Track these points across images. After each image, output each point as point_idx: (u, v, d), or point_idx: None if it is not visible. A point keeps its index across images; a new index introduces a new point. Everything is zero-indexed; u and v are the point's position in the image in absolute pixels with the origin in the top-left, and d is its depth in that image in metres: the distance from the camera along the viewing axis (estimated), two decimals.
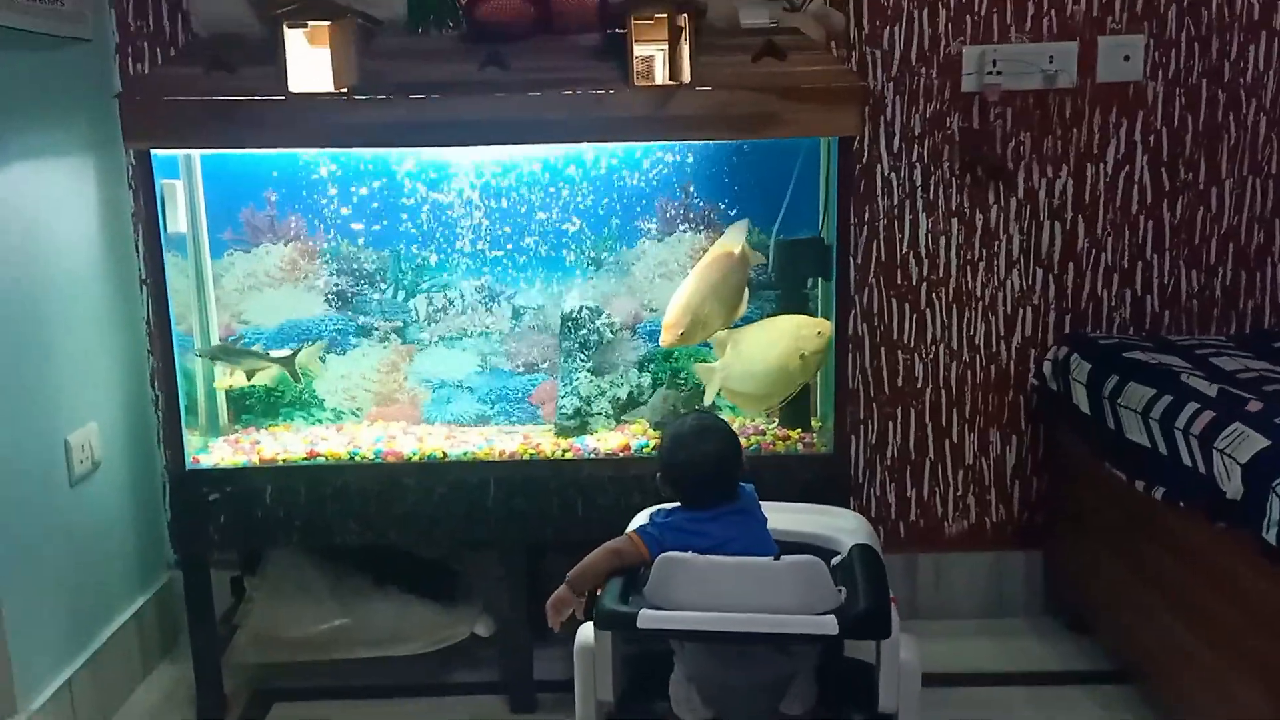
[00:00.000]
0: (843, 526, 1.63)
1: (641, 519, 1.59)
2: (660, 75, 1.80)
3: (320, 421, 2.12)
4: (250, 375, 2.04)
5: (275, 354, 2.05)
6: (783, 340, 1.90)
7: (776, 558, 1.44)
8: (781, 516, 1.59)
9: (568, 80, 1.79)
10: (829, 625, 1.35)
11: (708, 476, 1.52)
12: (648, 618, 1.38)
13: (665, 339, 1.96)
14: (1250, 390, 1.66)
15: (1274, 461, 1.40)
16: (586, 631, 1.53)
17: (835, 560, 1.52)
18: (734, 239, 1.96)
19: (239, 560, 2.20)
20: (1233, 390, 1.65)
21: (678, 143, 2.01)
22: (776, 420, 2.07)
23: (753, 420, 2.08)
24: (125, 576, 2.15)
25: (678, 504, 1.54)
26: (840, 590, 1.43)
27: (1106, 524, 1.96)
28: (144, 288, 2.22)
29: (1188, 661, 1.67)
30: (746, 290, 1.99)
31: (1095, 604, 2.05)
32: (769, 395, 1.96)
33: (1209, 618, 1.60)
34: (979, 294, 2.21)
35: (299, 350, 2.05)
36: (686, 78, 1.76)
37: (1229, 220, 2.17)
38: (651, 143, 2.00)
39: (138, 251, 2.21)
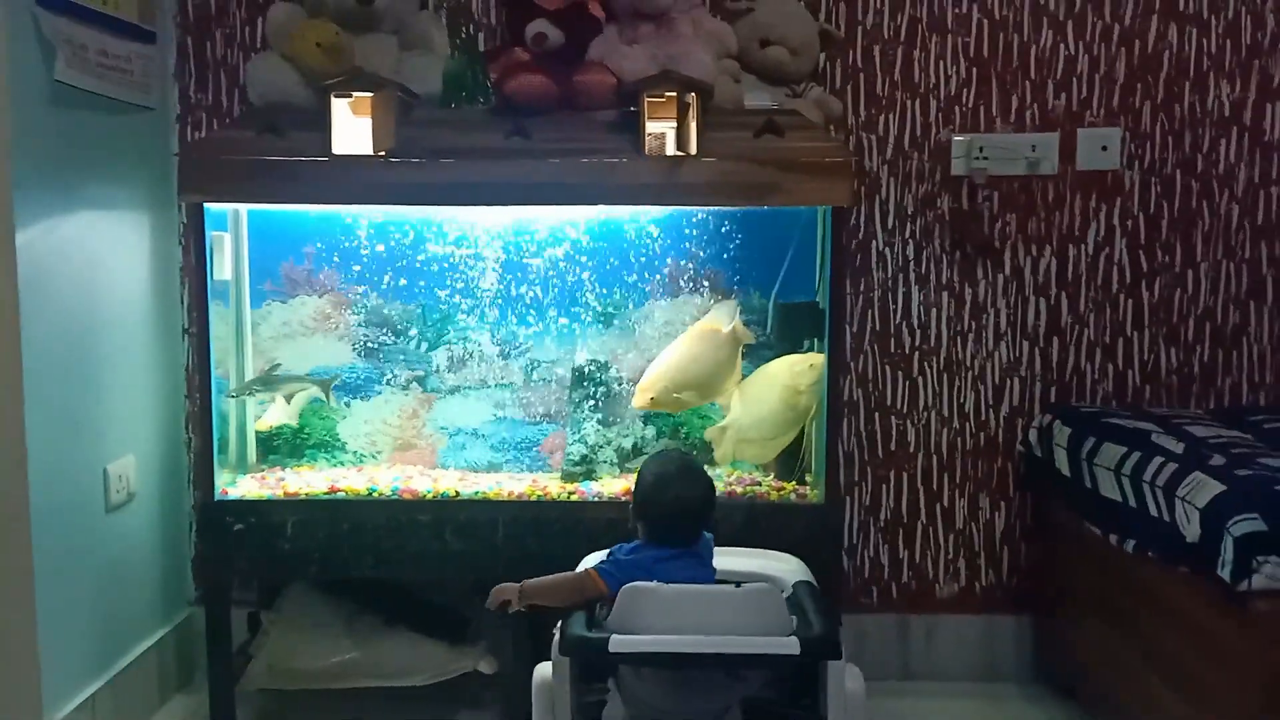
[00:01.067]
0: (784, 568, 1.76)
1: (595, 558, 1.69)
2: (670, 148, 1.97)
3: (342, 463, 2.24)
4: (289, 398, 2.17)
5: (308, 377, 2.20)
6: (779, 380, 2.04)
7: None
8: (726, 559, 1.71)
9: (585, 150, 1.97)
10: (792, 645, 1.47)
11: (687, 518, 1.63)
12: (619, 642, 1.47)
13: (637, 401, 2.10)
14: (1218, 451, 1.76)
15: (1228, 504, 1.50)
16: (545, 670, 1.62)
17: (782, 595, 1.62)
18: (720, 316, 2.10)
19: (256, 597, 2.31)
20: (1199, 449, 1.76)
21: (684, 211, 2.18)
22: (773, 473, 2.17)
23: (749, 472, 2.19)
24: (150, 606, 2.25)
25: (638, 541, 1.64)
26: (792, 618, 1.53)
27: (1088, 584, 2.04)
28: (186, 337, 2.38)
29: (1156, 714, 1.73)
30: (738, 367, 2.11)
31: (1081, 667, 2.11)
32: (777, 438, 2.07)
33: (1179, 666, 1.67)
34: (969, 364, 2.34)
35: (335, 378, 2.20)
36: (694, 149, 1.93)
37: (1205, 301, 2.30)
38: (660, 210, 2.17)
39: (182, 303, 2.38)
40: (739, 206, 2.05)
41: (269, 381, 2.19)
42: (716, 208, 2.14)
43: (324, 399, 2.20)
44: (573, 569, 2.01)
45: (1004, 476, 2.36)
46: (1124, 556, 1.84)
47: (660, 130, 1.97)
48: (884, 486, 2.37)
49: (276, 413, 2.21)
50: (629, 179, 1.95)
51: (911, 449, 2.36)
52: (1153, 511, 1.71)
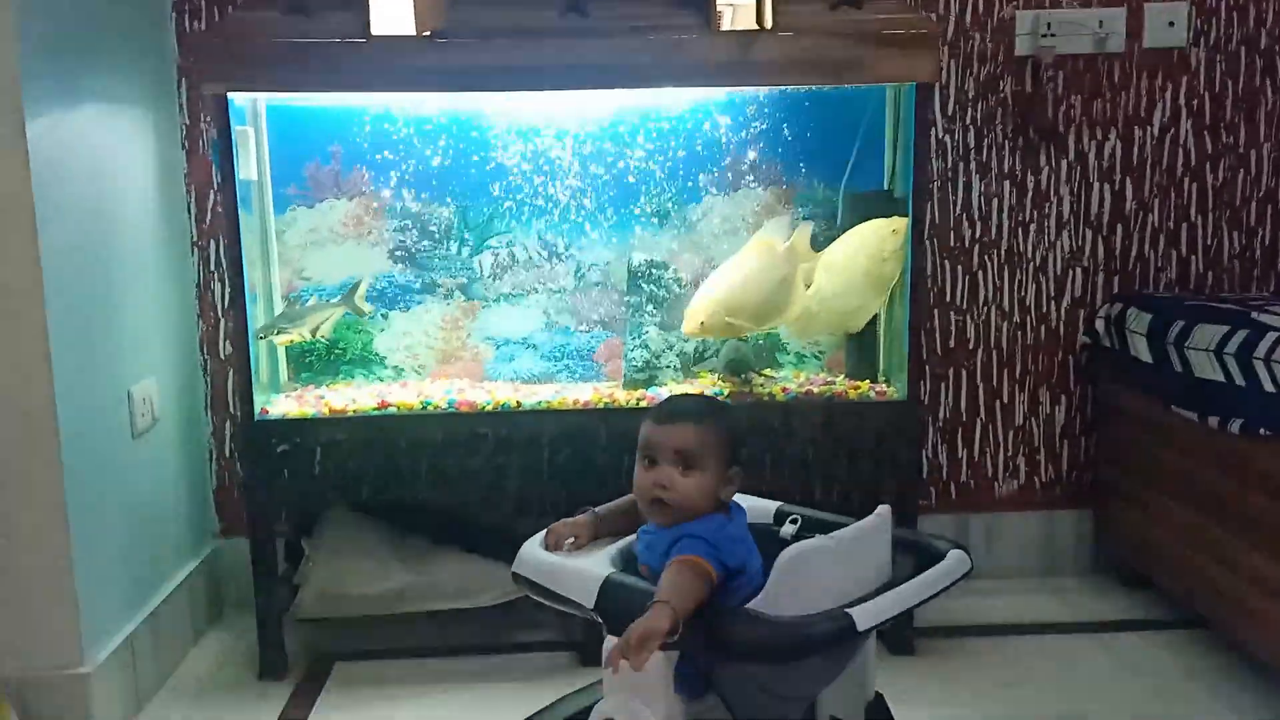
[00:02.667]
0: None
1: (605, 556, 1.34)
2: (741, 22, 1.82)
3: (381, 379, 2.09)
4: (315, 331, 2.00)
5: (333, 301, 2.03)
6: (864, 248, 1.93)
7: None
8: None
9: (649, 26, 1.81)
10: (964, 561, 1.31)
11: None
12: (865, 614, 1.16)
13: (686, 326, 1.92)
14: None
15: None
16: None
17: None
18: (776, 231, 1.95)
19: (290, 527, 2.16)
20: None
21: (745, 97, 2.04)
22: (844, 373, 2.09)
23: (819, 373, 2.10)
24: (178, 540, 2.09)
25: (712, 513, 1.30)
26: None
27: (1170, 470, 2.00)
28: (195, 250, 2.19)
29: (1266, 590, 1.71)
30: (798, 287, 1.95)
31: (1155, 554, 2.08)
32: (863, 306, 1.96)
33: None
34: (1030, 255, 2.26)
35: (355, 288, 2.03)
36: (769, 23, 1.79)
37: (1267, 183, 2.25)
38: (719, 96, 2.03)
39: (189, 213, 2.18)
40: (817, 85, 1.91)
41: (295, 316, 2.01)
42: (783, 89, 2.00)
43: (359, 314, 2.03)
44: None
45: (1064, 370, 2.30)
46: (1222, 437, 1.79)
47: (731, 2, 1.83)
48: (943, 385, 2.30)
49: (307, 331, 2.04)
50: (697, 57, 1.80)
51: (971, 345, 2.29)
52: (1268, 387, 1.66)
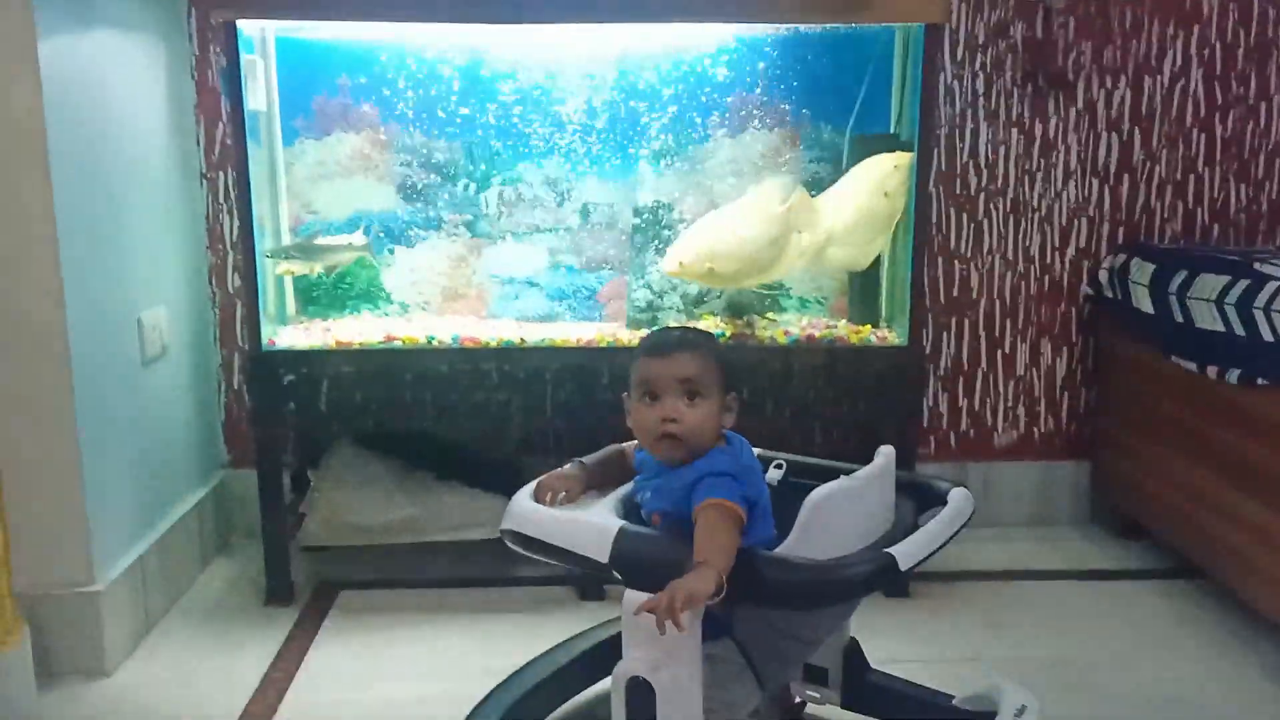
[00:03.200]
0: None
1: (609, 503, 1.32)
2: None
3: (387, 314, 2.11)
4: (330, 270, 2.02)
5: (355, 242, 2.04)
6: (866, 184, 1.92)
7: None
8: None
9: None
10: (969, 500, 1.32)
11: None
12: (905, 554, 1.17)
13: (666, 265, 1.91)
14: None
15: None
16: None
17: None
18: (775, 192, 1.92)
19: (296, 458, 2.20)
20: None
21: (751, 38, 2.03)
22: (846, 318, 2.10)
23: (822, 318, 2.11)
24: (186, 467, 2.13)
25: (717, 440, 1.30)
26: None
27: (1169, 420, 2.01)
28: (204, 182, 2.20)
29: (1262, 540, 1.73)
30: (787, 251, 1.92)
31: (1152, 503, 2.11)
32: (869, 243, 1.96)
33: None
34: (1036, 204, 2.26)
35: (368, 239, 2.04)
36: None
37: (1276, 136, 2.24)
38: (724, 34, 2.02)
39: (199, 144, 2.19)
40: (825, 22, 1.90)
41: (308, 250, 2.02)
42: (792, 29, 1.99)
43: (369, 259, 2.04)
44: None
45: (1066, 321, 2.31)
46: (1220, 387, 1.80)
47: None
48: (945, 334, 2.32)
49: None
50: None
51: (974, 295, 2.30)
52: (1266, 337, 1.67)
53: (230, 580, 2.11)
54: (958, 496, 1.32)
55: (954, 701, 1.37)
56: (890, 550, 1.17)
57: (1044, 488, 2.35)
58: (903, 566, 1.16)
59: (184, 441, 2.12)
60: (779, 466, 1.40)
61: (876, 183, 1.91)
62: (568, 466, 1.38)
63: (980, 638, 1.88)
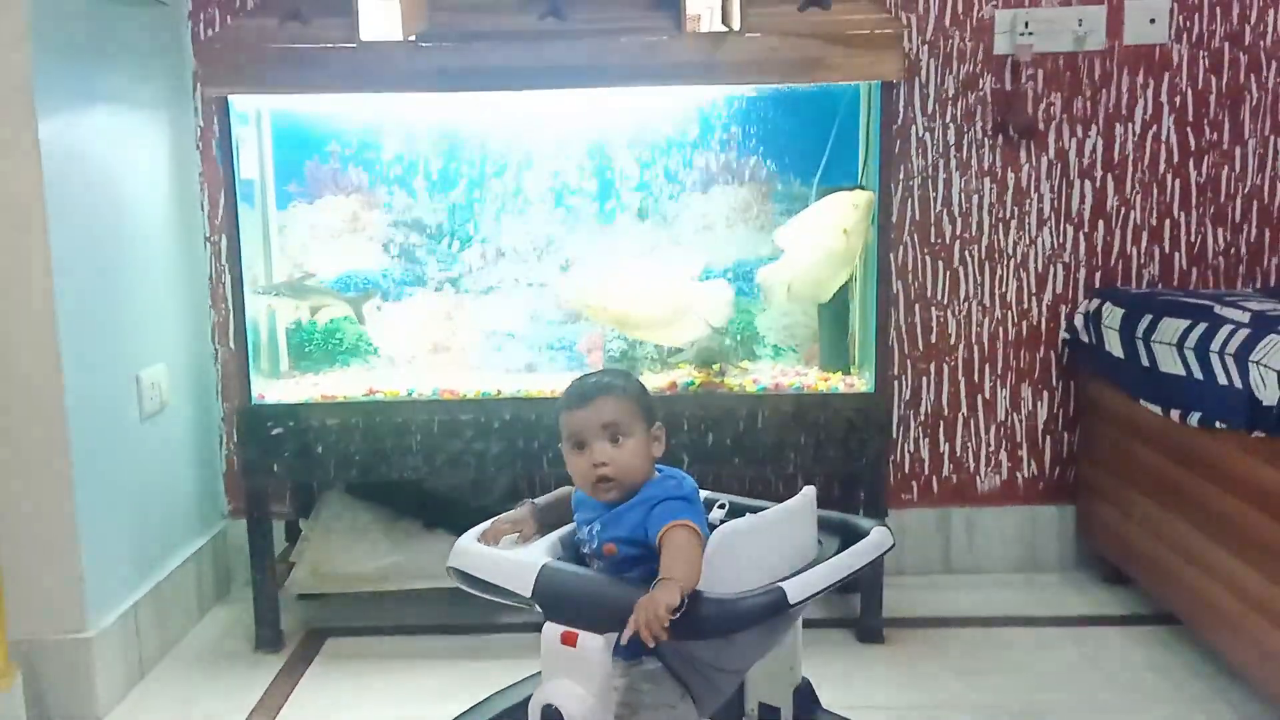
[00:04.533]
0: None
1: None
2: (711, 24, 1.89)
3: (376, 369, 2.19)
4: (315, 311, 2.11)
5: (343, 295, 2.13)
6: (827, 220, 1.98)
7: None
8: None
9: (623, 29, 1.89)
10: (886, 538, 1.36)
11: None
12: (797, 587, 1.22)
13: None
14: None
15: None
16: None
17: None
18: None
19: (291, 508, 2.28)
20: (1266, 317, 1.72)
21: (720, 98, 2.11)
22: (816, 365, 2.14)
23: (794, 366, 2.15)
24: (186, 518, 2.22)
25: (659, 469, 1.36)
26: None
27: (1141, 465, 2.02)
28: (208, 245, 2.31)
29: (1229, 587, 1.72)
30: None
31: (1130, 549, 2.10)
32: (832, 278, 2.01)
33: (1250, 538, 1.65)
34: (1011, 251, 2.29)
35: (367, 296, 2.13)
36: (736, 24, 1.85)
37: (1252, 179, 2.25)
38: (695, 98, 2.10)
39: (203, 209, 2.30)
40: (784, 84, 1.96)
41: (298, 290, 2.12)
42: (756, 90, 2.06)
43: (359, 320, 2.14)
44: None
45: (1046, 366, 2.32)
46: (1186, 432, 1.81)
47: (701, 6, 1.90)
48: (924, 379, 2.34)
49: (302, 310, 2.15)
50: (669, 58, 1.88)
51: (952, 340, 2.33)
52: (1221, 381, 1.68)
53: (226, 627, 2.18)
54: (876, 534, 1.36)
55: None
56: (781, 584, 1.22)
57: (1028, 533, 2.35)
58: (791, 600, 1.21)
59: (183, 493, 2.21)
60: (722, 507, 1.44)
61: (837, 219, 1.97)
62: (520, 509, 1.43)
63: (954, 685, 1.88)
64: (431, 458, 2.00)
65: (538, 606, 1.26)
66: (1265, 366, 1.54)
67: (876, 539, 1.36)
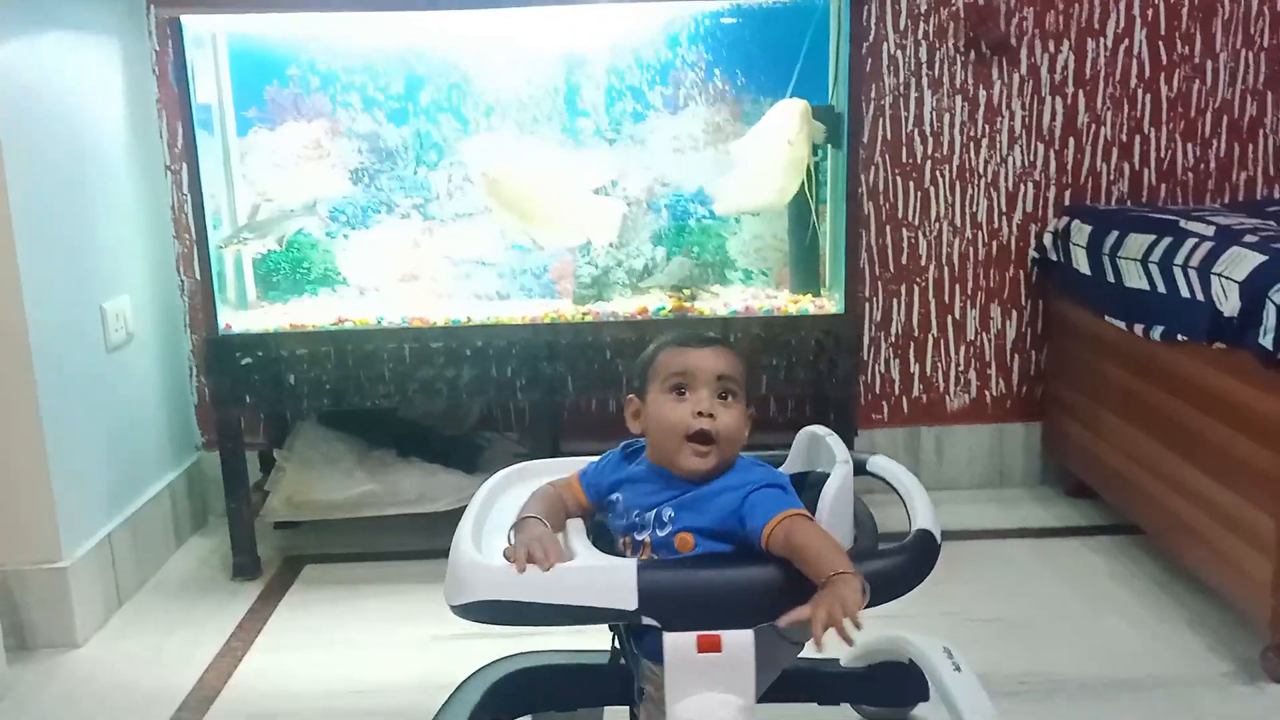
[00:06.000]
0: None
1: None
2: None
3: (344, 297, 2.17)
4: (282, 241, 2.09)
5: (294, 211, 2.10)
6: (773, 130, 1.98)
7: None
8: None
9: None
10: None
11: None
12: (936, 527, 1.16)
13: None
14: (1249, 233, 1.73)
15: (1270, 274, 1.48)
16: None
17: None
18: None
19: (265, 438, 2.28)
20: (1230, 231, 1.73)
21: (688, 13, 2.06)
22: (787, 289, 2.14)
23: (764, 288, 2.15)
24: (158, 450, 2.21)
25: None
26: None
27: (1105, 380, 2.04)
28: (168, 173, 2.27)
29: (1188, 496, 1.75)
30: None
31: (1094, 462, 2.14)
32: (783, 189, 2.01)
33: (1213, 447, 1.68)
34: (981, 170, 2.28)
35: (314, 206, 2.11)
36: None
37: (1223, 94, 2.25)
38: (662, 13, 2.05)
39: (161, 138, 2.26)
40: None
41: (258, 227, 2.09)
42: (725, 7, 2.03)
43: (318, 224, 2.11)
44: (592, 392, 2.00)
45: (1016, 285, 2.33)
46: (1149, 346, 1.83)
47: None
48: (895, 301, 2.35)
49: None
50: None
51: (923, 261, 2.33)
52: (1184, 294, 1.69)
53: (203, 557, 2.20)
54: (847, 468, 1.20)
55: (842, 662, 1.39)
56: (924, 527, 1.14)
57: (996, 450, 2.39)
58: (939, 540, 1.15)
59: (155, 425, 2.21)
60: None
61: (780, 130, 1.96)
62: (532, 522, 1.10)
63: (923, 596, 1.91)
64: (403, 386, 2.00)
65: (647, 619, 1.04)
66: (1226, 278, 1.56)
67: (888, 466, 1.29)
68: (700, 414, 1.11)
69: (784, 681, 1.19)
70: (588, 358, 2.00)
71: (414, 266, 2.17)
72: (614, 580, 1.04)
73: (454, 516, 2.08)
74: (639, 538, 1.12)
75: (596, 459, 1.23)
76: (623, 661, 1.22)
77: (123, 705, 1.67)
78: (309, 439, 2.21)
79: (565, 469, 1.25)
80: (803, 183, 2.01)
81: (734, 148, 2.04)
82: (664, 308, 2.03)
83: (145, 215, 2.20)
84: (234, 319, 2.04)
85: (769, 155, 1.99)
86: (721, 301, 2.07)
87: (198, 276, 2.00)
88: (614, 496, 1.17)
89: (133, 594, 2.03)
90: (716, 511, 1.09)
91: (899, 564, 1.12)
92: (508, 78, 2.11)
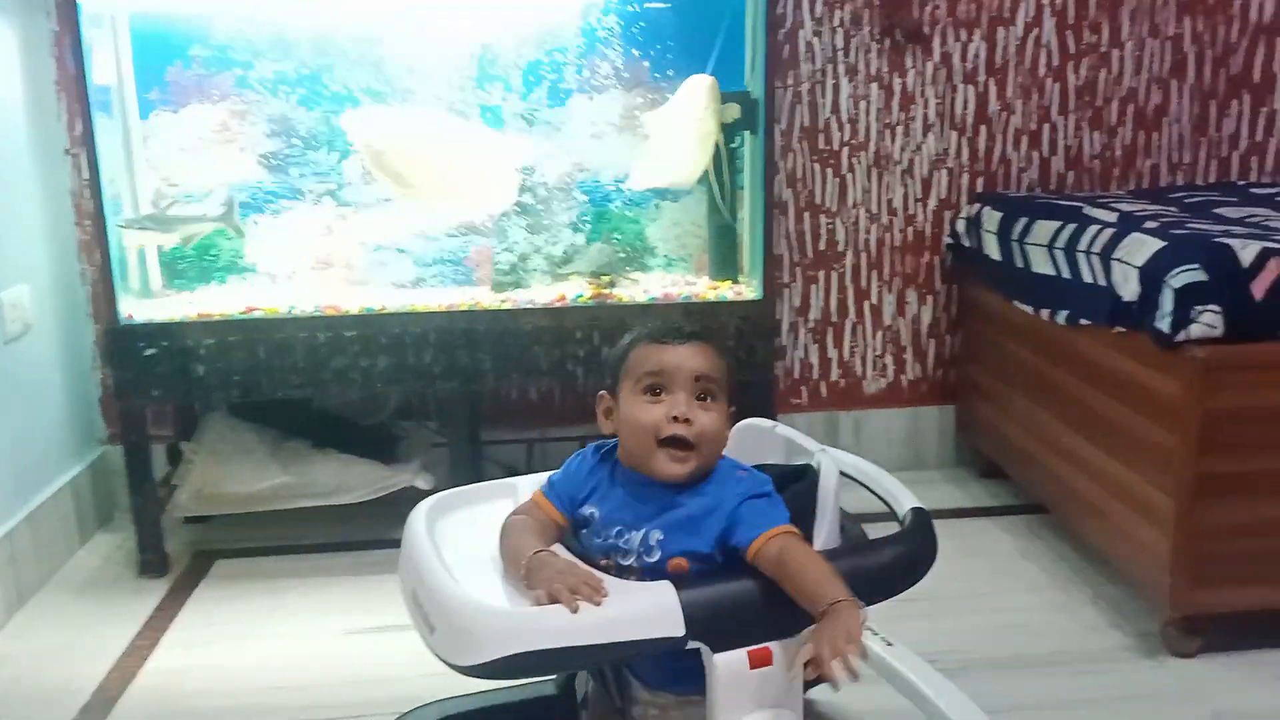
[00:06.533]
0: None
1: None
2: None
3: (255, 286, 2.12)
4: (187, 241, 2.02)
5: (210, 213, 2.04)
6: (684, 106, 1.99)
7: None
8: None
9: None
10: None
11: None
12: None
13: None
14: (1149, 219, 1.78)
15: (1167, 259, 1.52)
16: None
17: None
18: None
19: (173, 430, 2.21)
20: (1133, 217, 1.78)
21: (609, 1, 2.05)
22: (707, 276, 2.14)
23: (684, 274, 2.15)
24: (61, 444, 2.14)
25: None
26: None
27: (1015, 364, 2.09)
28: (68, 157, 2.19)
29: (1092, 476, 1.80)
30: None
31: (1004, 444, 2.18)
32: (694, 164, 2.01)
33: (1115, 428, 1.72)
34: (897, 158, 2.31)
35: (231, 207, 2.04)
36: None
37: (1129, 82, 2.30)
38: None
39: (60, 121, 2.17)
40: None
41: (163, 221, 2.02)
42: None
43: (232, 233, 2.05)
44: (510, 380, 1.98)
45: (930, 271, 2.37)
46: (1055, 330, 1.87)
47: None
48: (813, 287, 2.37)
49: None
50: None
51: (840, 248, 2.35)
52: (1087, 279, 1.73)
53: (108, 554, 2.13)
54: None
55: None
56: (918, 506, 1.15)
57: (912, 433, 2.43)
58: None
59: (56, 418, 2.13)
60: None
61: (690, 105, 1.97)
62: (548, 557, 1.01)
63: None
64: (315, 375, 1.96)
65: (694, 641, 0.98)
66: (1127, 264, 1.60)
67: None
68: (677, 417, 1.03)
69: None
70: (505, 346, 1.98)
71: (327, 253, 2.13)
72: (657, 607, 0.96)
73: (371, 508, 2.09)
74: (624, 562, 1.04)
75: (556, 471, 1.13)
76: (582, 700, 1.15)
77: (23, 705, 1.61)
78: (219, 431, 2.15)
79: (492, 494, 1.17)
80: (707, 170, 2.01)
81: (646, 121, 2.04)
82: (583, 295, 2.02)
83: (45, 201, 2.12)
84: (137, 308, 1.98)
85: (679, 130, 1.99)
86: (641, 288, 2.06)
87: (99, 264, 1.94)
88: (588, 511, 1.09)
89: (35, 592, 1.96)
90: (708, 533, 1.03)
91: (916, 547, 1.12)
92: (421, 59, 2.06)
